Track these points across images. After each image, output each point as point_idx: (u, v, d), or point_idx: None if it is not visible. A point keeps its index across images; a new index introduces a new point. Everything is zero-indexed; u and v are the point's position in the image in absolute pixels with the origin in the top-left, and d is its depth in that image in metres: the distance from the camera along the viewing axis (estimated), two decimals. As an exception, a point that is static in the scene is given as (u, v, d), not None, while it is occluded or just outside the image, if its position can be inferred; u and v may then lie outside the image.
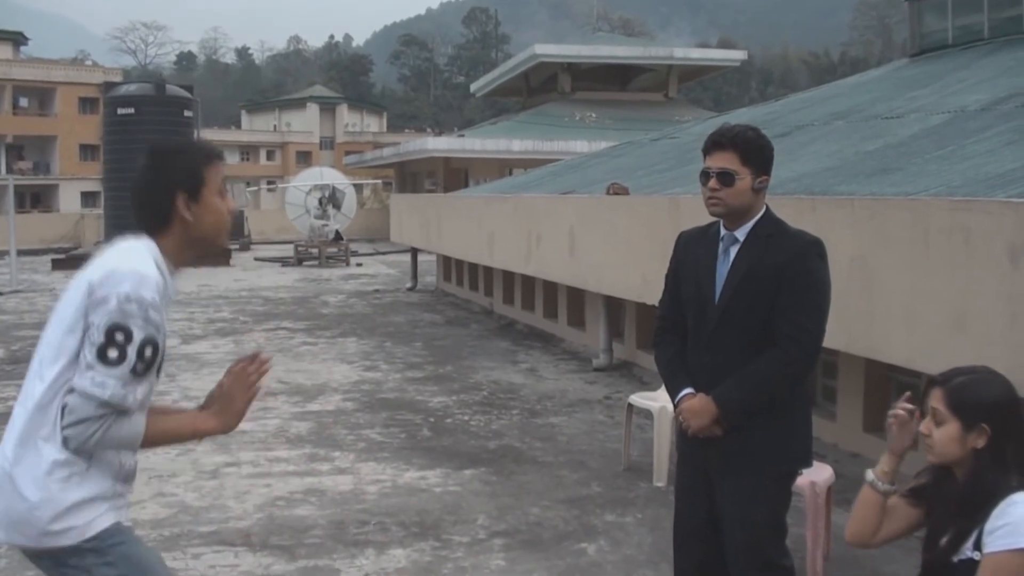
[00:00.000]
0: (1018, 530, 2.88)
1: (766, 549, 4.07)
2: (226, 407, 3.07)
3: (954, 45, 15.29)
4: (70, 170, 69.14)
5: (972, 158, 8.30)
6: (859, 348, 6.79)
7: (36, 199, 67.13)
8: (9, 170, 60.41)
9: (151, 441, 2.96)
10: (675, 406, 4.22)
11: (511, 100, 63.98)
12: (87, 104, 68.80)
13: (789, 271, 3.95)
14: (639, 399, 8.02)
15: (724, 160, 3.99)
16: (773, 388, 3.99)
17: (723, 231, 4.11)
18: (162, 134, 34.09)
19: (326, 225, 34.43)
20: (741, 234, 4.06)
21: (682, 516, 4.33)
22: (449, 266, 22.08)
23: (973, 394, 3.11)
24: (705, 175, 4.05)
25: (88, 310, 2.81)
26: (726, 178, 3.97)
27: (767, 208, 4.10)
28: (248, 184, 73.85)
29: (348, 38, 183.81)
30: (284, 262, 33.05)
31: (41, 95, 70.30)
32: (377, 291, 23.33)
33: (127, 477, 3.04)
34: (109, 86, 38.73)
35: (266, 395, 10.82)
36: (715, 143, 4.03)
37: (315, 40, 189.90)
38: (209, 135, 72.89)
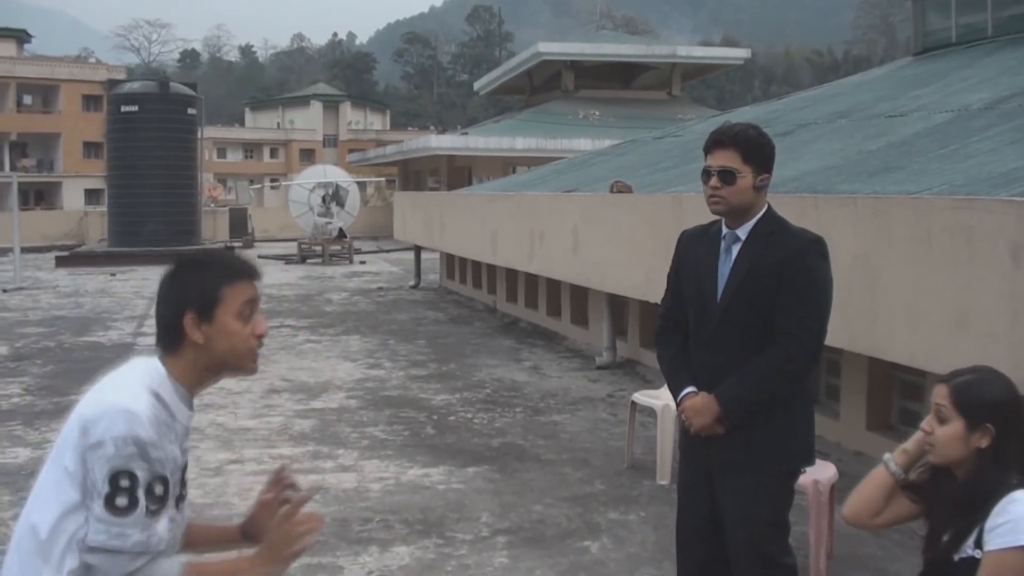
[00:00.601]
0: (1019, 527, 2.88)
1: (768, 547, 4.07)
2: (275, 553, 2.75)
3: (957, 44, 15.28)
4: (74, 168, 69.17)
5: (975, 157, 8.30)
6: (862, 346, 6.79)
7: (40, 196, 67.18)
8: (13, 167, 60.56)
9: None
10: (677, 404, 4.23)
11: (514, 98, 63.94)
12: (91, 102, 68.79)
13: (790, 269, 3.95)
14: (642, 397, 8.03)
15: (725, 158, 3.99)
16: (775, 386, 3.99)
17: (724, 229, 4.12)
18: (166, 132, 34.21)
19: (329, 223, 34.44)
20: (743, 232, 4.06)
21: (685, 514, 4.34)
22: (452, 264, 22.10)
23: (978, 393, 3.11)
24: (707, 173, 4.05)
25: (84, 454, 2.55)
26: (727, 176, 3.98)
27: (768, 206, 4.10)
28: (251, 182, 74.03)
29: (351, 36, 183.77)
30: (288, 260, 33.08)
31: (45, 92, 70.32)
32: (380, 289, 23.35)
33: None
34: (113, 84, 38.82)
35: (270, 392, 10.85)
36: (716, 141, 4.03)
37: (318, 38, 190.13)
38: (213, 133, 73.05)
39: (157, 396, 2.63)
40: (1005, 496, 2.96)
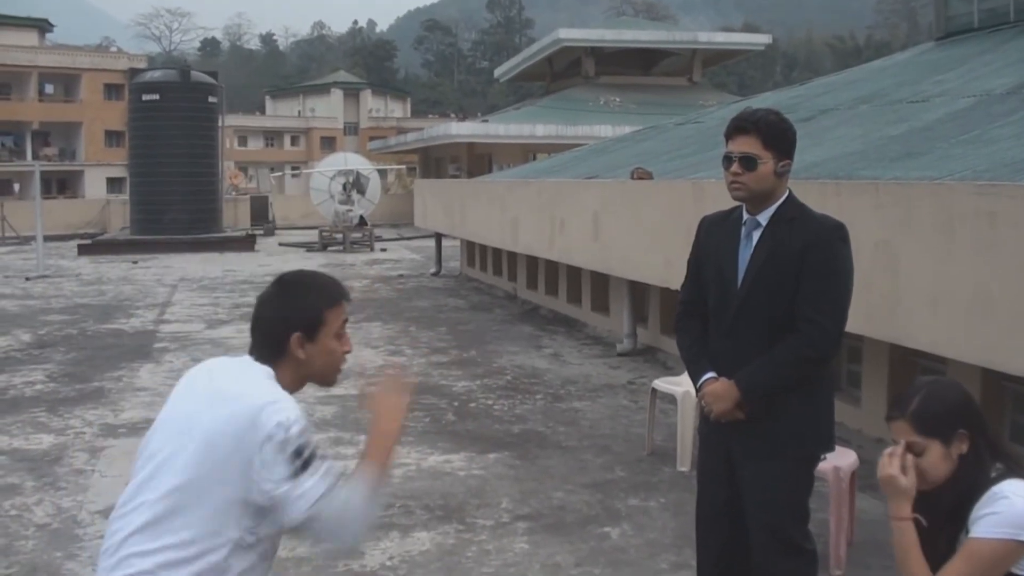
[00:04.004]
0: (1004, 521, 2.91)
1: (789, 533, 4.07)
2: (385, 420, 3.15)
3: (980, 28, 15.16)
4: (95, 156, 69.39)
5: (997, 142, 8.26)
6: (883, 333, 6.77)
7: (62, 185, 67.45)
8: (35, 156, 60.68)
9: (380, 471, 2.98)
10: (697, 391, 4.23)
11: (535, 85, 63.90)
12: (112, 90, 69.00)
13: (811, 255, 3.94)
14: (663, 384, 8.02)
15: (746, 144, 3.98)
16: (795, 372, 3.99)
17: (745, 215, 4.11)
18: (187, 120, 34.29)
19: (350, 210, 34.44)
20: (764, 218, 4.05)
21: (704, 500, 4.34)
22: (473, 251, 22.10)
23: (938, 408, 3.10)
24: (727, 159, 4.05)
25: (248, 449, 2.74)
26: (748, 162, 3.97)
27: (790, 192, 4.09)
28: (272, 170, 74.09)
29: (372, 23, 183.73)
30: (309, 247, 33.12)
31: (66, 82, 70.54)
32: (401, 276, 23.37)
33: None
34: (134, 72, 38.96)
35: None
36: (737, 127, 4.02)
37: (339, 26, 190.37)
38: (233, 121, 73.11)
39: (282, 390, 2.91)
40: (988, 490, 2.99)
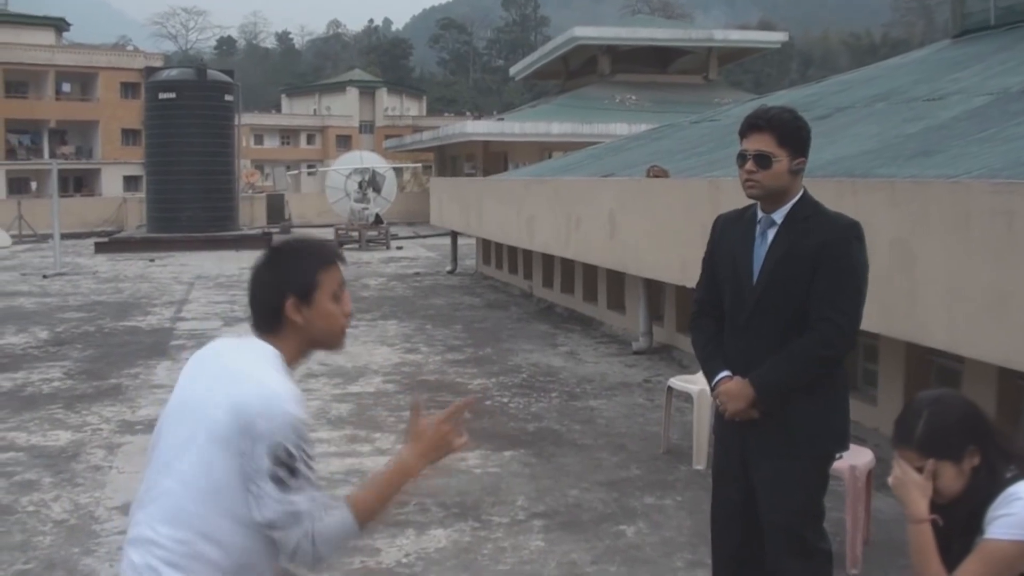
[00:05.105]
0: (1019, 522, 2.90)
1: (804, 532, 4.07)
2: (428, 449, 3.17)
3: (996, 26, 15.10)
4: (112, 154, 69.55)
5: (1014, 140, 8.23)
6: (900, 332, 6.76)
7: (79, 183, 67.60)
8: (52, 155, 60.95)
9: (370, 511, 2.95)
10: (712, 389, 4.24)
11: (550, 83, 63.84)
12: (129, 89, 69.11)
13: (827, 254, 3.94)
14: (679, 382, 8.02)
15: (761, 142, 3.98)
16: (810, 371, 3.99)
17: (760, 214, 4.11)
18: (203, 118, 34.35)
19: (366, 208, 34.50)
20: (778, 216, 4.06)
21: (719, 499, 4.34)
22: (489, 249, 22.10)
23: (944, 430, 3.08)
24: (742, 157, 4.05)
25: (242, 441, 2.72)
26: (763, 160, 3.97)
27: (804, 190, 4.09)
28: (288, 168, 74.27)
29: (387, 22, 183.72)
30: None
31: (83, 80, 70.70)
32: (417, 274, 23.40)
33: None
34: (150, 71, 39.04)
35: (307, 376, 10.91)
36: (752, 125, 4.02)
37: (354, 24, 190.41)
38: (249, 119, 73.28)
39: (287, 375, 2.86)
40: (1004, 491, 2.98)
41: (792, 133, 4.00)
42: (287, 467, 2.72)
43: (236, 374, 2.84)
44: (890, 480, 3.20)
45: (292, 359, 2.95)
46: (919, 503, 3.09)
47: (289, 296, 2.90)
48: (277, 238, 2.95)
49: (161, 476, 2.83)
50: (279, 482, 2.71)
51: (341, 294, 2.99)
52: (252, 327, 2.98)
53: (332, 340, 3.01)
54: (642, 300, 12.62)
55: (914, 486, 3.10)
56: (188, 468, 2.78)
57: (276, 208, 44.43)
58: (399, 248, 32.08)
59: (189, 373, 2.99)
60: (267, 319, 2.94)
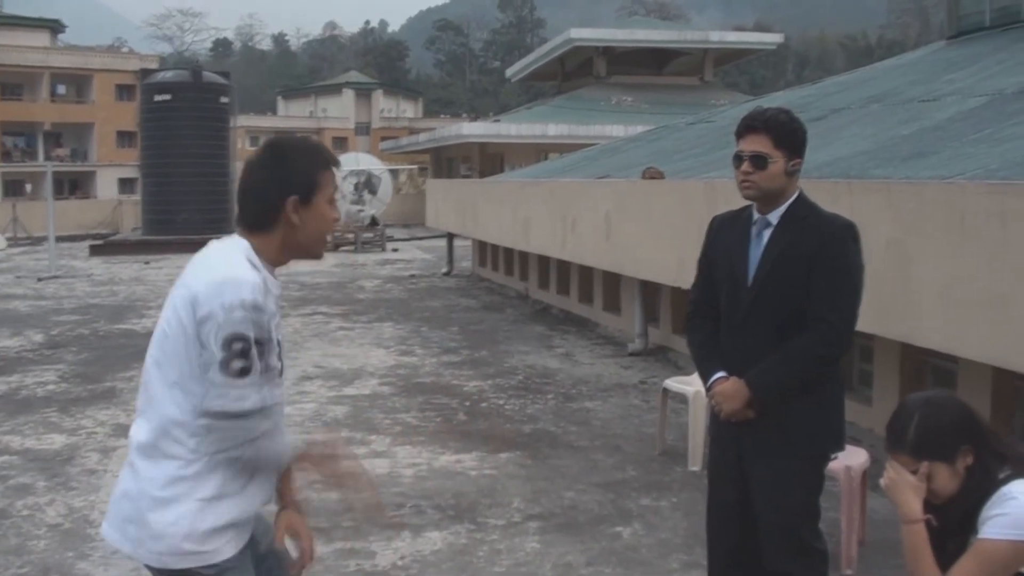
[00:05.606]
0: (1014, 522, 2.91)
1: (799, 532, 4.07)
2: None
3: (992, 27, 15.13)
4: (107, 157, 69.51)
5: (1010, 141, 8.23)
6: (895, 332, 6.76)
7: (74, 186, 67.61)
8: (47, 157, 60.80)
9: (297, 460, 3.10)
10: (707, 390, 4.23)
11: (546, 85, 63.94)
12: (124, 91, 69.04)
13: (822, 254, 3.94)
14: (674, 383, 8.02)
15: (757, 143, 3.99)
16: (806, 371, 3.99)
17: (756, 215, 4.12)
18: (199, 120, 34.32)
19: (362, 210, 34.51)
20: (774, 217, 4.06)
21: (715, 499, 4.34)
22: (485, 251, 22.11)
23: (936, 432, 3.10)
24: (738, 158, 4.05)
25: (197, 326, 2.77)
26: (759, 161, 3.97)
27: (800, 191, 4.10)
28: (284, 170, 74.03)
29: (383, 24, 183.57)
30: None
31: (79, 82, 70.67)
32: (413, 276, 23.39)
33: (268, 499, 3.05)
34: (146, 73, 38.96)
35: (303, 379, 10.90)
36: (748, 126, 4.03)
37: (351, 26, 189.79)
38: (245, 121, 73.19)
39: (254, 265, 2.85)
40: (998, 491, 2.98)
41: (788, 134, 4.01)
42: (240, 355, 2.73)
43: (199, 265, 2.88)
44: (883, 481, 3.20)
45: (273, 260, 2.95)
46: (912, 504, 3.10)
47: (291, 194, 2.90)
48: (275, 138, 2.94)
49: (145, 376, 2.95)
50: (228, 370, 2.73)
51: (333, 199, 3.01)
52: (237, 223, 2.98)
53: (316, 246, 3.02)
54: (638, 301, 12.62)
55: (907, 487, 3.10)
56: (159, 355, 2.88)
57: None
58: (395, 250, 32.08)
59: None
60: (260, 217, 2.93)
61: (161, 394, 2.86)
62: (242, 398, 2.74)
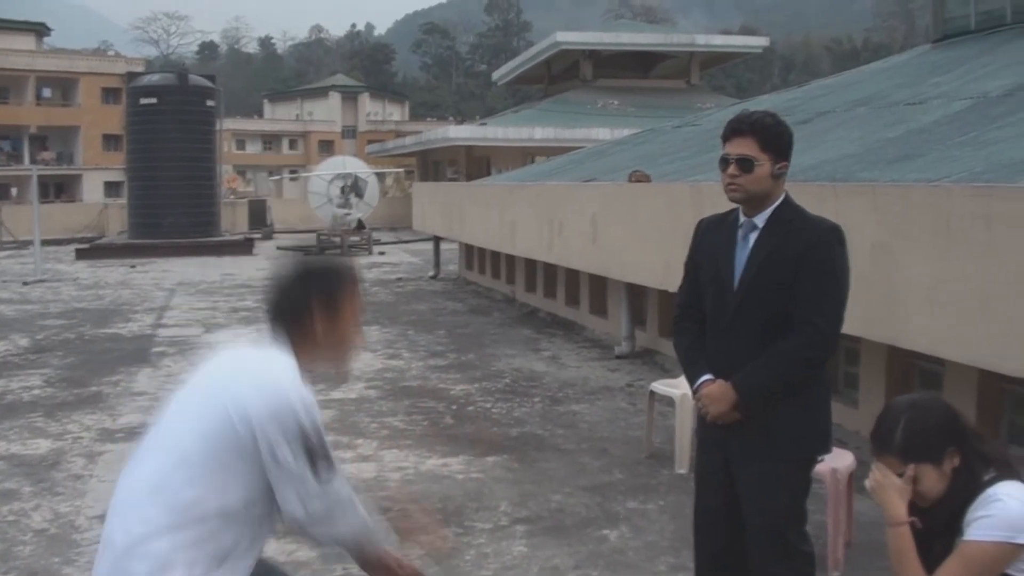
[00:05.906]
0: (999, 524, 2.92)
1: (786, 535, 4.08)
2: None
3: (977, 31, 15.18)
4: (93, 160, 69.30)
5: (995, 144, 8.26)
6: (881, 335, 6.78)
7: (60, 189, 67.33)
8: (33, 160, 60.57)
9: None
10: (694, 393, 4.24)
11: (533, 88, 63.94)
12: (110, 94, 68.88)
13: (808, 257, 3.95)
14: (661, 386, 8.03)
15: (743, 146, 3.99)
16: (792, 374, 3.99)
17: (742, 218, 4.12)
18: (185, 124, 34.27)
19: (348, 214, 34.47)
20: (760, 220, 4.06)
21: (702, 502, 4.34)
22: (471, 254, 22.10)
23: (923, 435, 3.11)
24: (724, 161, 4.06)
25: (254, 432, 2.80)
26: (745, 164, 3.98)
27: (786, 194, 4.10)
28: (271, 173, 74.12)
29: (370, 27, 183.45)
30: (307, 251, 33.10)
31: (64, 86, 70.49)
32: (400, 279, 23.37)
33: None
34: (132, 76, 38.88)
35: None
36: (734, 129, 4.03)
37: (337, 29, 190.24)
38: (232, 125, 73.16)
39: (299, 372, 2.94)
40: (983, 492, 2.99)
41: (774, 137, 4.01)
42: (309, 452, 2.84)
43: (255, 368, 2.92)
44: (868, 484, 3.21)
45: (307, 366, 3.01)
46: (898, 506, 3.10)
47: (316, 301, 3.01)
48: (306, 258, 3.04)
49: (154, 452, 2.93)
50: (316, 473, 2.86)
51: (359, 321, 3.15)
52: (270, 333, 3.05)
53: (342, 357, 3.14)
54: (624, 304, 12.62)
55: (892, 489, 3.11)
56: (187, 444, 2.87)
57: (258, 214, 44.34)
58: (381, 253, 32.05)
59: (205, 369, 3.04)
60: (292, 332, 3.01)
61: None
62: (329, 484, 2.93)
